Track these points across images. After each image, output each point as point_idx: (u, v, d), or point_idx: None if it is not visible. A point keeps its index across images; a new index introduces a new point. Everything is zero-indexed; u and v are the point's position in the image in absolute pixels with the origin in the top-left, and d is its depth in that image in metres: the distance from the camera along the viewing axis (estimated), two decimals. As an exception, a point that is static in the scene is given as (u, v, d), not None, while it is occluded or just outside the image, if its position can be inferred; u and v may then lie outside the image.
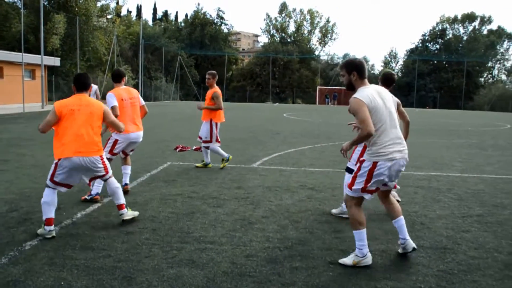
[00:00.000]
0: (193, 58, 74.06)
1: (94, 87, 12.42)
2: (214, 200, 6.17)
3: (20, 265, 3.80)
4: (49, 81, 35.48)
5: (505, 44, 77.84)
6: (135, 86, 52.49)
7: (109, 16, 58.99)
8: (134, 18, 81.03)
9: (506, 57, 78.71)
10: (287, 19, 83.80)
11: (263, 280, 3.64)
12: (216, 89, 8.49)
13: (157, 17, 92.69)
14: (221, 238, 4.60)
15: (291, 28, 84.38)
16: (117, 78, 6.61)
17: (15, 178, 7.36)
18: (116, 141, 6.23)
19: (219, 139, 8.70)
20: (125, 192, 6.10)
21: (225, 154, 8.71)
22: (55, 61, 36.84)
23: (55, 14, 43.65)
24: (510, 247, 4.53)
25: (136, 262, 3.93)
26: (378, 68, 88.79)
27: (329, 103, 61.78)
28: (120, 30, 61.10)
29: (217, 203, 6.01)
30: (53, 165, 4.64)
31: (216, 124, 8.52)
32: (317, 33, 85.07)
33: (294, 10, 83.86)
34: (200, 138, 8.70)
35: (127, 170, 6.66)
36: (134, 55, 60.52)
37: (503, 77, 79.21)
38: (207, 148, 8.68)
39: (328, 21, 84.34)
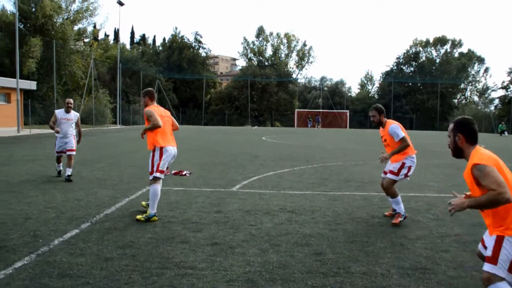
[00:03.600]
0: (171, 82, 74.17)
1: (76, 114, 10.48)
2: (193, 224, 6.12)
3: (-5, 295, 3.68)
4: (25, 105, 35.01)
5: (476, 67, 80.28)
6: (113, 110, 52.18)
7: (86, 40, 58.91)
8: (111, 41, 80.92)
9: (477, 79, 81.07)
10: (265, 43, 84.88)
11: (245, 305, 3.60)
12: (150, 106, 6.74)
13: (135, 41, 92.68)
14: (201, 263, 4.55)
15: (269, 51, 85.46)
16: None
17: (-11, 204, 7.18)
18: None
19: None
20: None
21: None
22: (31, 85, 36.47)
23: (31, 38, 43.37)
24: (488, 267, 4.60)
25: (115, 289, 3.85)
26: (355, 90, 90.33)
27: (312, 126, 61.69)
28: (98, 54, 60.88)
29: (197, 227, 5.96)
30: None
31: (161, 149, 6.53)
32: (294, 57, 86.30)
33: (271, 34, 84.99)
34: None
35: None
36: (112, 79, 60.27)
37: (475, 98, 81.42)
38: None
39: (304, 44, 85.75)
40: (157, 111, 6.63)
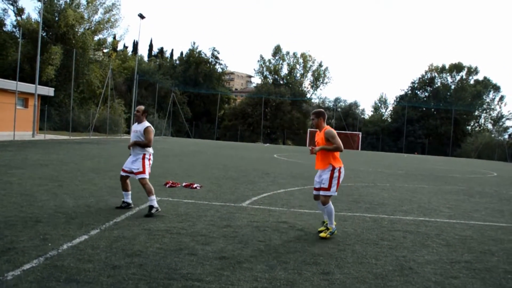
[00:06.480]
0: (186, 95, 74.77)
1: (144, 125, 7.92)
2: (202, 237, 6.12)
3: (2, 296, 3.71)
4: (41, 110, 35.53)
5: (491, 94, 79.77)
6: (127, 120, 52.64)
7: (105, 50, 59.79)
8: (130, 53, 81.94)
9: (492, 106, 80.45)
10: (281, 61, 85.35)
11: (250, 320, 3.58)
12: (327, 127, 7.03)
13: (153, 54, 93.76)
14: (208, 276, 4.54)
15: (284, 70, 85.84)
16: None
17: (1, 206, 7.25)
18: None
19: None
20: None
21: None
22: (49, 91, 37.03)
23: (52, 46, 44.16)
24: (498, 296, 4.52)
25: (121, 297, 3.85)
26: (368, 113, 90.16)
27: None
28: (116, 64, 61.69)
29: (205, 240, 5.96)
30: None
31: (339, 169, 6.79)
32: (309, 77, 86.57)
33: (288, 53, 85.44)
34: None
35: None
36: (128, 90, 60.94)
37: (489, 126, 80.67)
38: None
39: (320, 65, 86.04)
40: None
